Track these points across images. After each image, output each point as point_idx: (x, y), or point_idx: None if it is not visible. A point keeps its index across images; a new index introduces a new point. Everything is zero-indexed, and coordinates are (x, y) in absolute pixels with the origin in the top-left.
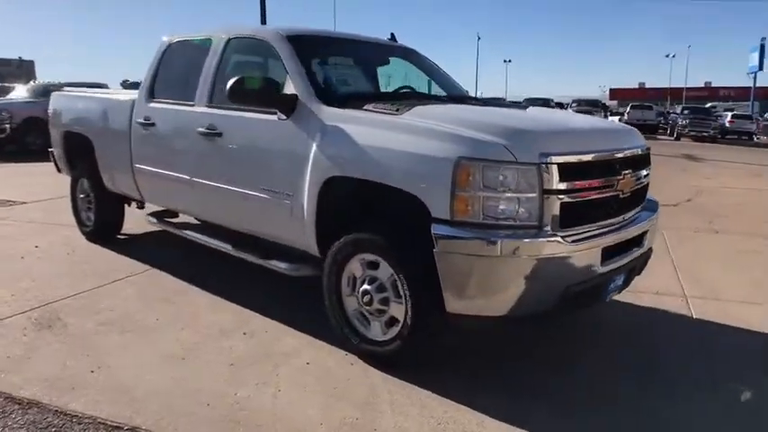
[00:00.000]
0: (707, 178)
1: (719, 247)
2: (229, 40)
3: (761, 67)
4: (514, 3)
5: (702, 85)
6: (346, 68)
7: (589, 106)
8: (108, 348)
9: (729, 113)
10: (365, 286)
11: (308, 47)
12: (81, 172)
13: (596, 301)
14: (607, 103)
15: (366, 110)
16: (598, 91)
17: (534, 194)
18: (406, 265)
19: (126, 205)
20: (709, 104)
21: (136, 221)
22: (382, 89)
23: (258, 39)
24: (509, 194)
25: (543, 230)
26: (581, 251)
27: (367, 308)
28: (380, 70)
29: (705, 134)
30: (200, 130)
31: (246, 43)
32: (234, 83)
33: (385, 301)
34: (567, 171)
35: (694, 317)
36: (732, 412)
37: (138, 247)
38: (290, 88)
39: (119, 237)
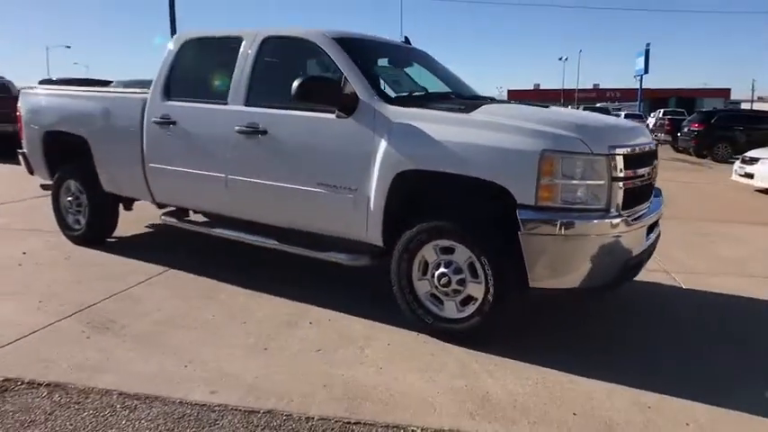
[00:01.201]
0: None
1: (668, 232)
2: (265, 39)
3: (646, 71)
4: (414, 5)
5: (591, 87)
6: (387, 70)
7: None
8: (184, 345)
9: (623, 113)
10: (441, 269)
11: (354, 49)
12: (68, 174)
13: (636, 275)
14: None
15: (433, 108)
16: (496, 91)
17: (604, 182)
18: (490, 247)
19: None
20: (599, 105)
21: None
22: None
23: (301, 39)
24: (584, 182)
25: (610, 213)
26: (636, 230)
27: (444, 289)
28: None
29: None
30: (239, 128)
31: (285, 43)
32: (302, 83)
33: (461, 282)
34: (625, 161)
35: (684, 287)
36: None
37: (134, 249)
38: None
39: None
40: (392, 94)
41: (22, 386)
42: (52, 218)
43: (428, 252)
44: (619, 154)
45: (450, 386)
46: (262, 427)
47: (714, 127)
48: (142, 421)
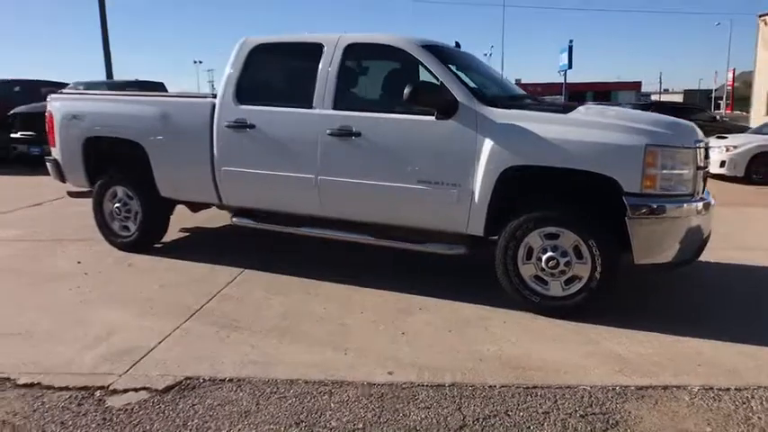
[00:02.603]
0: None
1: None
2: (349, 45)
3: (570, 66)
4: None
5: (514, 82)
6: (467, 73)
7: None
8: (323, 335)
9: None
10: (549, 253)
11: (440, 55)
12: (115, 180)
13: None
14: None
15: (532, 110)
16: None
17: (691, 171)
18: (598, 231)
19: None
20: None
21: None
22: None
23: (388, 46)
24: (677, 171)
25: (695, 197)
26: (710, 212)
27: (551, 271)
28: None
29: None
30: (331, 130)
31: (370, 50)
32: (414, 88)
33: (567, 264)
34: (703, 153)
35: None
36: None
37: (188, 253)
38: None
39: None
40: (490, 96)
41: (206, 383)
42: (72, 225)
43: (533, 239)
44: (700, 147)
45: (583, 352)
46: (458, 396)
47: None
48: (348, 402)
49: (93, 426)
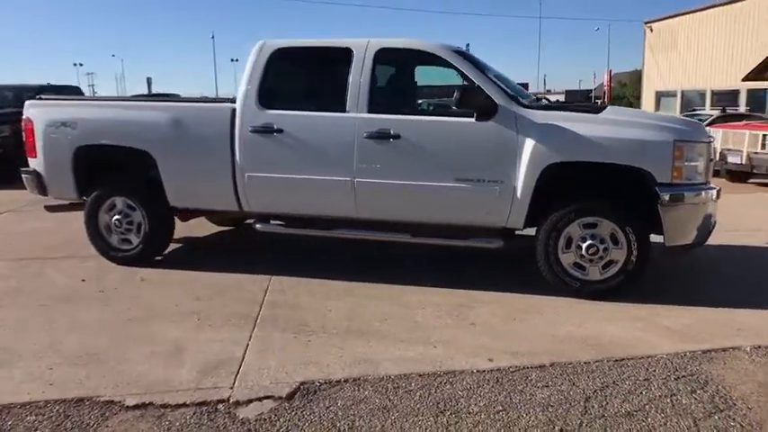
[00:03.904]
0: None
1: None
2: (380, 50)
3: None
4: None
5: None
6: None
7: None
8: (401, 331)
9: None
10: (589, 242)
11: (471, 60)
12: (114, 190)
13: None
14: None
15: (568, 110)
16: None
17: (705, 162)
18: (634, 218)
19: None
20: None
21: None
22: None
23: (420, 51)
24: (696, 163)
25: (708, 185)
26: (718, 200)
27: (590, 257)
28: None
29: None
30: (369, 133)
31: (401, 55)
32: (463, 92)
33: (605, 250)
34: (711, 147)
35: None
36: None
37: (195, 264)
38: None
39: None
40: (522, 99)
41: (324, 385)
42: (39, 243)
43: (573, 229)
44: (711, 142)
45: (638, 327)
46: (565, 374)
47: None
48: (473, 388)
49: None
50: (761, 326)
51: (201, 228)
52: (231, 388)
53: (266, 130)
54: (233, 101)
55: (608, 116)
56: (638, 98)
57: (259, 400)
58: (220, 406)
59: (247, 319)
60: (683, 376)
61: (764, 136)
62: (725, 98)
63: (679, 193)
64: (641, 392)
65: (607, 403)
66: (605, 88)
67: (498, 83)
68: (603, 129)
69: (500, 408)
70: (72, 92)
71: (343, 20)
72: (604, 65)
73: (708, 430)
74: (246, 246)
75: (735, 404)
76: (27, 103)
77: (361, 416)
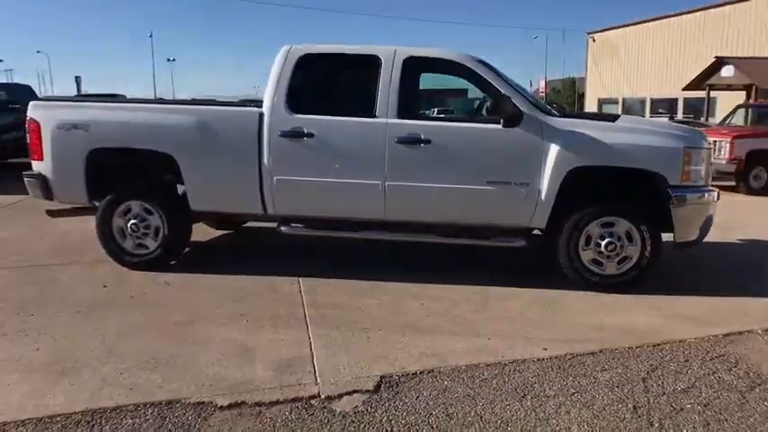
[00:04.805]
0: None
1: None
2: (408, 58)
3: None
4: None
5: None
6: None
7: None
8: (450, 325)
9: None
10: (608, 239)
11: (494, 69)
12: (131, 194)
13: None
14: None
15: (586, 119)
16: (253, 90)
17: (706, 166)
18: (649, 218)
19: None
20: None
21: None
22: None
23: (447, 60)
24: (700, 167)
25: (708, 187)
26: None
27: (608, 254)
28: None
29: None
30: (399, 138)
31: (428, 63)
32: (496, 100)
33: (621, 247)
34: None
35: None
36: None
37: (202, 267)
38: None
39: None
40: (542, 106)
41: (403, 378)
42: (32, 249)
43: (593, 227)
44: (711, 148)
45: (659, 316)
46: (617, 359)
47: None
48: (541, 375)
49: (352, 428)
50: (764, 310)
51: (197, 232)
52: (316, 384)
53: (296, 135)
54: (257, 104)
55: (624, 124)
56: (572, 104)
57: (348, 394)
58: (313, 401)
59: (297, 319)
60: (716, 357)
61: (715, 142)
62: (663, 105)
63: (687, 195)
64: (687, 372)
65: (663, 382)
66: (541, 94)
67: (522, 92)
68: (622, 136)
69: (573, 390)
70: (23, 90)
71: (269, 19)
72: (541, 72)
73: (754, 401)
74: (248, 248)
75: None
76: (32, 103)
77: (451, 404)
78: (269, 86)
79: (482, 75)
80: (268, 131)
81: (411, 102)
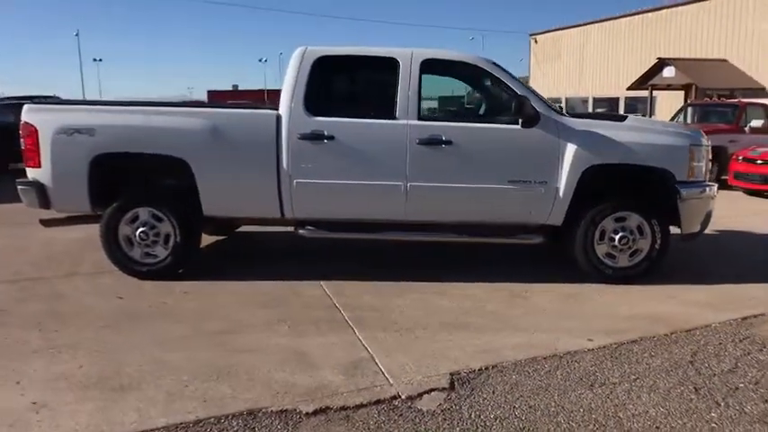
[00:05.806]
0: None
1: None
2: (426, 61)
3: None
4: None
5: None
6: None
7: None
8: (493, 323)
9: None
10: (621, 233)
11: (506, 72)
12: (140, 200)
13: None
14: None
15: (598, 119)
16: (187, 92)
17: (706, 163)
18: (659, 212)
19: None
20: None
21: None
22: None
23: (464, 63)
24: (702, 164)
25: (710, 183)
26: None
27: (621, 247)
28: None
29: None
30: (420, 140)
31: (444, 65)
32: (519, 102)
33: (633, 240)
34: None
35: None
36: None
37: (212, 274)
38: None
39: None
40: (555, 108)
41: (469, 374)
42: (21, 261)
43: (607, 222)
44: (709, 145)
45: (675, 303)
46: (657, 346)
47: None
48: (597, 365)
49: (446, 425)
50: (766, 295)
51: None
52: (391, 385)
53: (316, 137)
54: (272, 107)
55: (633, 124)
56: None
57: (427, 392)
58: (396, 402)
59: (338, 322)
60: (744, 339)
61: None
62: (605, 105)
63: (692, 190)
64: (726, 353)
65: (708, 364)
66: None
67: (535, 93)
68: (633, 135)
69: (635, 376)
70: None
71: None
72: None
73: None
74: (250, 253)
75: None
76: (27, 107)
77: (528, 396)
78: (285, 89)
79: (499, 76)
80: (287, 134)
81: (432, 103)
